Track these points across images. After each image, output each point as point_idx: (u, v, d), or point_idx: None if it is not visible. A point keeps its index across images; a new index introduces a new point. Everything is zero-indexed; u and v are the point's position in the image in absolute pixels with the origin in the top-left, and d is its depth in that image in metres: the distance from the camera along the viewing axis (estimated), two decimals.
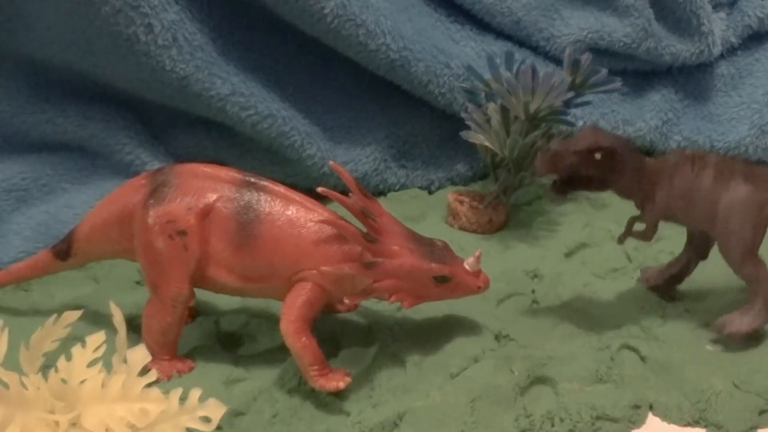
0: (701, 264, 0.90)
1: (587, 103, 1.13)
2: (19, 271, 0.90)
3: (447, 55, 1.15)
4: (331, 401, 0.78)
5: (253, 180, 0.80)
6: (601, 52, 1.22)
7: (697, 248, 0.89)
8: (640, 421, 0.78)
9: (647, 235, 0.86)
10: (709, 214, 0.82)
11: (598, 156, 0.81)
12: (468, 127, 1.07)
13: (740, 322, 0.83)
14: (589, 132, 0.82)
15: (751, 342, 0.84)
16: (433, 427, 0.76)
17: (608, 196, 1.10)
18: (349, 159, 1.15)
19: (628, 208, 0.87)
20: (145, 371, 0.71)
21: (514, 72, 1.06)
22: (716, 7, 1.31)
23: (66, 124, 1.09)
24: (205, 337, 0.87)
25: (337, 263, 0.77)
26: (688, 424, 0.78)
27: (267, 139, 1.10)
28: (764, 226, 0.83)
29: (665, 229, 0.88)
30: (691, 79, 1.30)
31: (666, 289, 0.92)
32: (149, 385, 0.70)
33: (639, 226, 0.86)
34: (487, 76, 1.09)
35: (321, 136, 1.14)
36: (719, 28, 1.29)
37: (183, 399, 0.69)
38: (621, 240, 0.88)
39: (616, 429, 0.77)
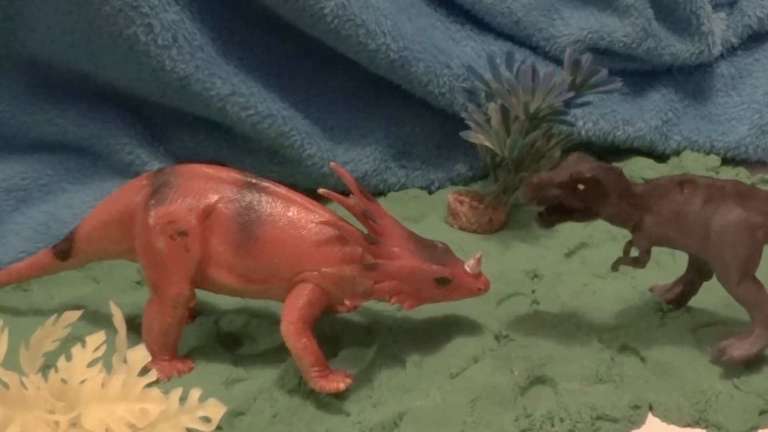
0: None
1: (587, 103, 1.13)
2: (19, 271, 0.90)
3: (447, 55, 1.15)
4: (331, 401, 0.78)
5: (254, 181, 0.80)
6: (601, 52, 1.22)
7: (698, 270, 0.88)
8: (640, 422, 0.78)
9: (641, 262, 0.84)
10: (701, 238, 0.81)
11: (581, 187, 0.79)
12: (468, 127, 1.08)
13: (740, 347, 0.81)
14: (573, 162, 0.81)
15: (753, 364, 0.82)
16: (433, 427, 0.76)
17: None
18: (349, 159, 1.15)
19: None
20: (145, 371, 0.71)
21: (514, 72, 1.06)
22: (716, 7, 1.31)
23: (66, 124, 1.09)
24: (205, 337, 0.87)
25: (338, 265, 0.77)
26: (688, 425, 0.78)
27: (267, 139, 1.10)
28: (759, 248, 0.81)
29: None
30: (691, 79, 1.30)
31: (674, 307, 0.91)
32: (149, 385, 0.70)
33: (635, 252, 0.85)
34: (487, 76, 1.09)
35: (321, 136, 1.14)
36: (719, 28, 1.29)
37: (183, 399, 0.69)
38: (615, 267, 0.86)
39: (616, 429, 0.77)
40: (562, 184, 0.80)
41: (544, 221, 0.83)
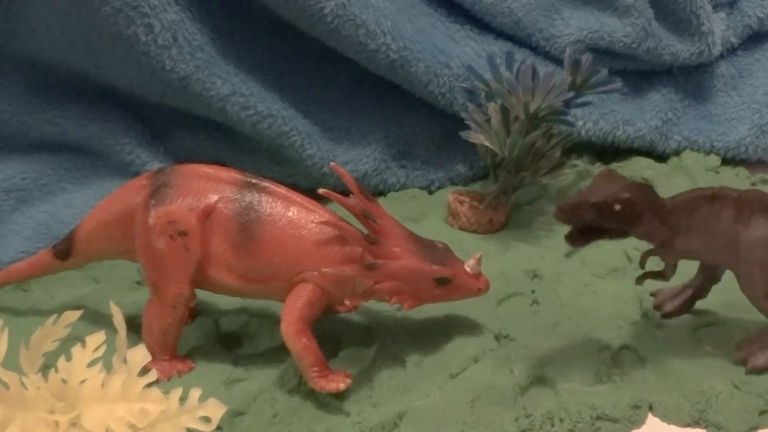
0: None
1: (587, 103, 1.13)
2: (19, 271, 0.90)
3: (447, 55, 1.15)
4: (331, 401, 0.78)
5: (254, 181, 0.80)
6: (601, 52, 1.22)
7: (709, 275, 0.87)
8: (640, 422, 0.78)
9: (666, 275, 0.83)
10: (729, 252, 0.80)
11: (617, 207, 0.77)
12: (468, 127, 1.08)
13: (763, 356, 0.81)
14: (604, 180, 0.79)
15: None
16: (433, 427, 0.76)
17: None
18: (349, 159, 1.15)
19: None
20: (145, 371, 0.72)
21: (514, 72, 1.06)
22: (716, 7, 1.31)
23: (66, 124, 1.09)
24: (205, 337, 0.87)
25: (338, 265, 0.77)
26: (688, 425, 0.78)
27: (267, 139, 1.10)
28: None
29: None
30: (691, 79, 1.30)
31: (679, 314, 0.90)
32: (149, 385, 0.70)
33: (652, 262, 0.84)
34: (487, 76, 1.09)
35: (321, 136, 1.14)
36: (719, 28, 1.29)
37: (183, 399, 0.69)
38: (640, 282, 0.85)
39: (616, 429, 0.77)
40: (598, 206, 0.77)
41: (574, 241, 0.80)
